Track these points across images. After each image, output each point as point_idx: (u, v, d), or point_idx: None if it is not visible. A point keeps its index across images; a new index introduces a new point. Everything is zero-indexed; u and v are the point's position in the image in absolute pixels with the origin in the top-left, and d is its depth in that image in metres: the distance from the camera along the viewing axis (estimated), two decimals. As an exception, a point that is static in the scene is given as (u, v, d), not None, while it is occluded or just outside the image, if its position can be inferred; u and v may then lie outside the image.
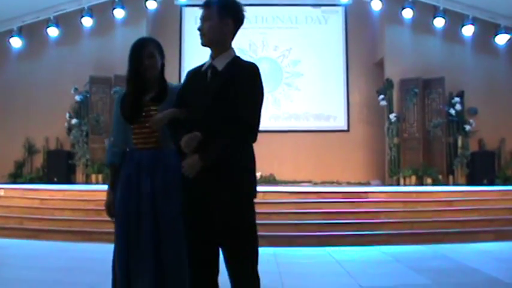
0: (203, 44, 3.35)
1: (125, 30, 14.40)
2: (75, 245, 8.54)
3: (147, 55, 3.63)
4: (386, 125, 14.36)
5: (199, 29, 3.35)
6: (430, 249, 8.33)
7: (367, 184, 14.49)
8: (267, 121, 15.08)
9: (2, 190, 10.99)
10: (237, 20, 3.34)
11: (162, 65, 3.73)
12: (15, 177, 14.29)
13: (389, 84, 14.42)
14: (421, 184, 13.42)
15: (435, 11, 14.33)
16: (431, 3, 14.52)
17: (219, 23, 3.27)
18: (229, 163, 3.13)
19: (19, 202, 10.42)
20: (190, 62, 14.82)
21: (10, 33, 14.66)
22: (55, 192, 10.75)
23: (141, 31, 14.24)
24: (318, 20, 16.01)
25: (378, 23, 15.17)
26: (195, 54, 15.08)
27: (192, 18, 15.52)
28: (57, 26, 14.58)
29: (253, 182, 3.29)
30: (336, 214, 9.44)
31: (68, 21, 14.69)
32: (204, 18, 3.34)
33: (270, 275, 6.23)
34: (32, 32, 14.87)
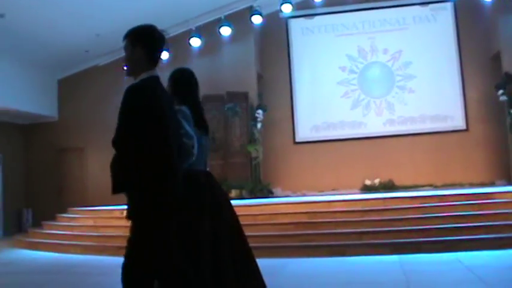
0: (127, 75, 3.49)
1: (233, 47, 14.64)
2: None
3: None
4: (508, 120, 13.67)
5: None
6: None
7: (492, 185, 13.82)
8: (381, 127, 14.89)
9: (124, 211, 11.35)
10: (148, 44, 3.40)
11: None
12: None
13: (508, 77, 13.72)
14: (552, 180, 12.65)
15: (554, -5, 13.49)
16: (549, -14, 13.68)
17: (131, 53, 3.40)
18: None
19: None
20: (300, 73, 14.85)
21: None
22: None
23: (249, 46, 14.48)
24: (427, 19, 15.58)
25: (491, 14, 14.48)
26: (304, 64, 15.12)
27: (299, 29, 15.62)
28: (167, 50, 14.97)
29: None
30: (461, 217, 9.01)
31: (176, 43, 15.05)
32: (124, 51, 3.46)
33: (397, 284, 6.02)
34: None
